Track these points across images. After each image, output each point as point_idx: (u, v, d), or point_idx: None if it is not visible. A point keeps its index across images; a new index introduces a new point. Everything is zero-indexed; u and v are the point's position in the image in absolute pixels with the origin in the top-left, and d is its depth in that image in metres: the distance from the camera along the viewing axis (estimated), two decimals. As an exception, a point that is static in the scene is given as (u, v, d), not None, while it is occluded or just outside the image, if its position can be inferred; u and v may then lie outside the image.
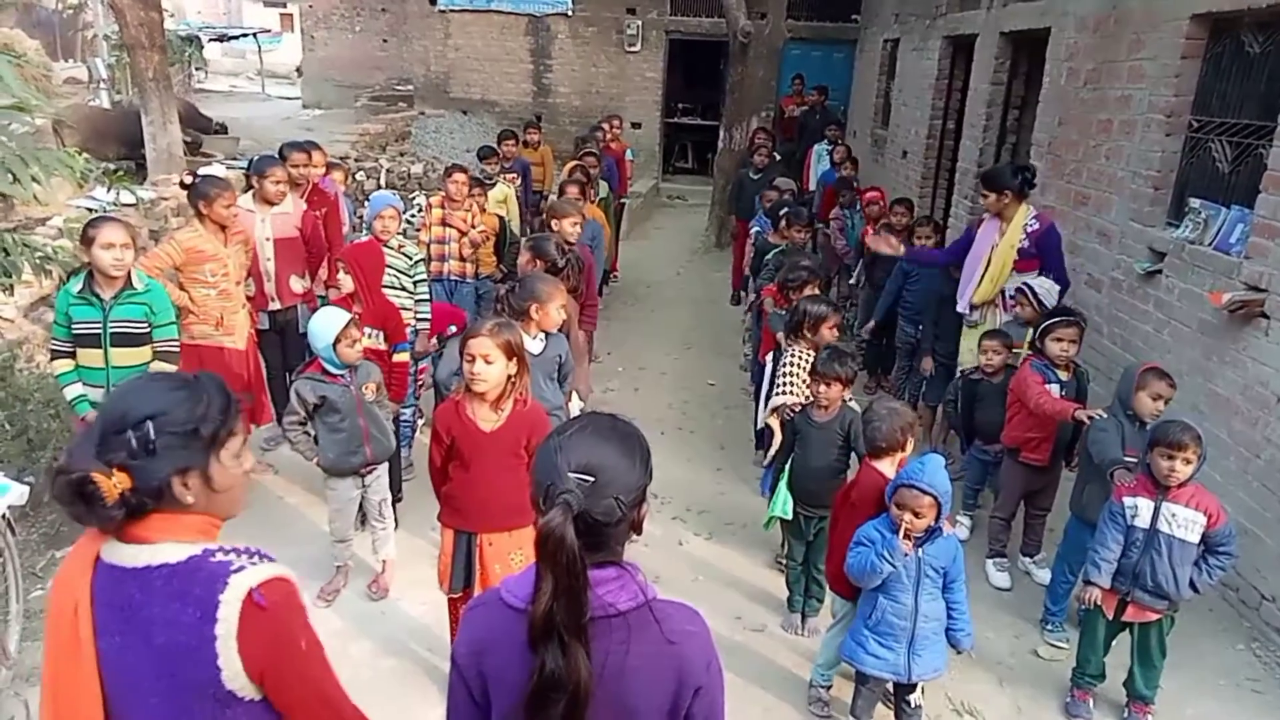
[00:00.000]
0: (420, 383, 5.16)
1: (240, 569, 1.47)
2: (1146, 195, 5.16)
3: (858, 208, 7.38)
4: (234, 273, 4.58)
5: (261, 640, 1.45)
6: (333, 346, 3.69)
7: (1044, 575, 4.19)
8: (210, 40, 24.11)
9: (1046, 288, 4.60)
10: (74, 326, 3.70)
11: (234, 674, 1.45)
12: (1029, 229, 4.81)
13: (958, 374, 4.94)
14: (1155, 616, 3.27)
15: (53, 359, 3.82)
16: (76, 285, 3.70)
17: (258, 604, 1.44)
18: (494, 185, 7.16)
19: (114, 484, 1.39)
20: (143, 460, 1.42)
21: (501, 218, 6.51)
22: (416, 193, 10.47)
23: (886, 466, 3.18)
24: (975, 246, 5.07)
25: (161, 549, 1.46)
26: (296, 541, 4.23)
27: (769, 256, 6.17)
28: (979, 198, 4.97)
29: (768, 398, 4.37)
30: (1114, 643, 3.43)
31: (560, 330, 3.81)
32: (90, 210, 6.62)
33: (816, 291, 4.73)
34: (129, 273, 3.74)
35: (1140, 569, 3.19)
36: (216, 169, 8.79)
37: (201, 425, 1.47)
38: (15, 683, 3.38)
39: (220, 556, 1.48)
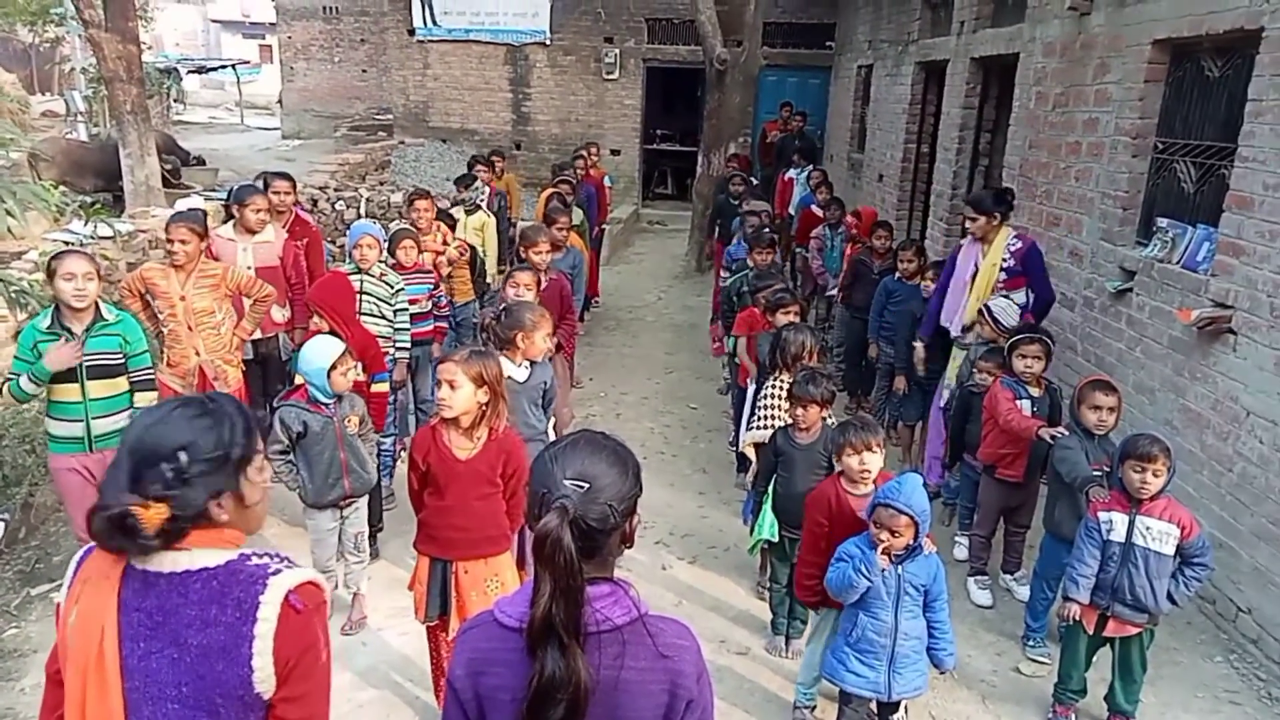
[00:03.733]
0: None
1: (278, 571, 1.53)
2: (1116, 215, 5.27)
3: (840, 229, 7.43)
4: (185, 316, 4.39)
5: (293, 643, 1.50)
6: (327, 374, 3.69)
7: (1025, 592, 4.21)
8: (189, 72, 24.11)
9: (1003, 307, 4.69)
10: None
11: (265, 676, 1.49)
12: (1012, 248, 4.91)
13: (954, 385, 4.98)
14: (1136, 630, 3.30)
15: (2, 383, 3.76)
16: (44, 321, 3.65)
17: (294, 607, 1.50)
18: (475, 211, 7.19)
19: (153, 515, 1.46)
20: (179, 490, 1.48)
21: (472, 246, 6.53)
22: (396, 221, 10.48)
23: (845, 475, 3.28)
24: (958, 270, 5.18)
25: (200, 555, 1.52)
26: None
27: (730, 281, 6.19)
28: (967, 221, 5.08)
29: (748, 424, 4.39)
30: (1095, 658, 3.46)
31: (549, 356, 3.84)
32: (66, 244, 6.59)
33: (796, 315, 4.75)
34: (98, 305, 3.70)
35: (1119, 583, 3.23)
36: (195, 201, 8.78)
37: (230, 450, 1.54)
38: (-11, 723, 3.32)
39: (256, 560, 1.55)
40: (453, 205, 7.44)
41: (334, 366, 3.69)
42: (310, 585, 1.56)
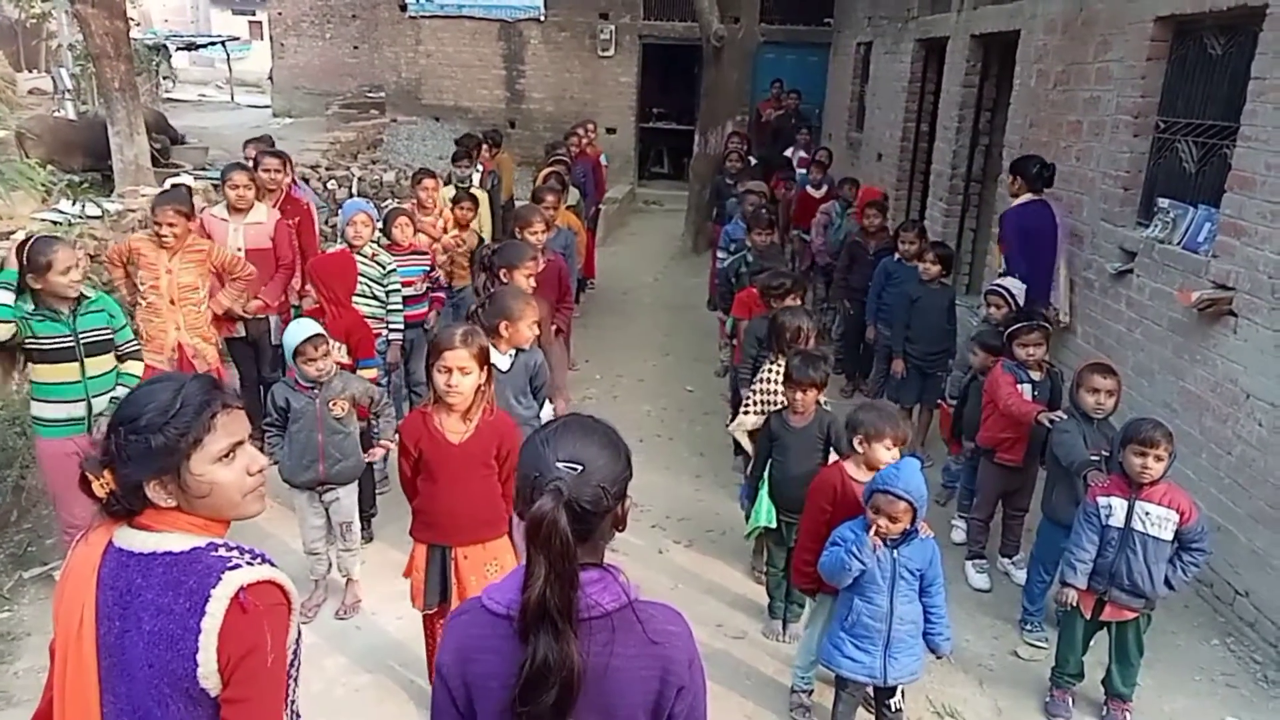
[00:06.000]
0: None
1: (236, 566, 1.49)
2: (1116, 195, 5.22)
3: (851, 208, 7.34)
4: (168, 290, 4.34)
5: (237, 643, 1.46)
6: (293, 358, 3.68)
7: (1023, 576, 4.21)
8: (178, 49, 23.83)
9: (1021, 288, 4.66)
10: (41, 341, 3.59)
11: (209, 671, 1.46)
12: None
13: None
14: (1132, 615, 3.30)
15: None
16: (28, 305, 3.56)
17: (242, 605, 1.46)
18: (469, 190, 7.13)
19: (101, 484, 1.48)
20: (120, 464, 1.48)
21: (480, 236, 6.47)
22: (389, 201, 10.40)
23: (852, 467, 3.22)
24: None
25: (167, 538, 1.51)
26: (274, 555, 4.15)
27: (729, 262, 6.18)
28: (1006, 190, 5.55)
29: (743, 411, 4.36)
30: (1092, 641, 3.46)
31: (537, 342, 3.77)
32: (55, 223, 6.50)
33: (797, 301, 4.71)
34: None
35: (1116, 568, 3.21)
36: (185, 180, 8.68)
37: (157, 435, 1.48)
38: (-19, 708, 3.30)
39: (221, 552, 1.52)
40: (445, 183, 7.37)
41: (298, 353, 3.65)
42: (268, 584, 1.52)
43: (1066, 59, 5.87)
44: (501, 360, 3.53)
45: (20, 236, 6.27)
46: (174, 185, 4.65)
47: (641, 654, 1.45)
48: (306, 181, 9.31)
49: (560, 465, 1.44)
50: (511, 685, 1.41)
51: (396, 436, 4.17)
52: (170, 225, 4.28)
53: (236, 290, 4.76)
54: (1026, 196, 5.33)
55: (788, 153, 9.89)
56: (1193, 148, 4.78)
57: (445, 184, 7.33)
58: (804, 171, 9.05)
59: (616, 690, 1.44)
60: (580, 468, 1.45)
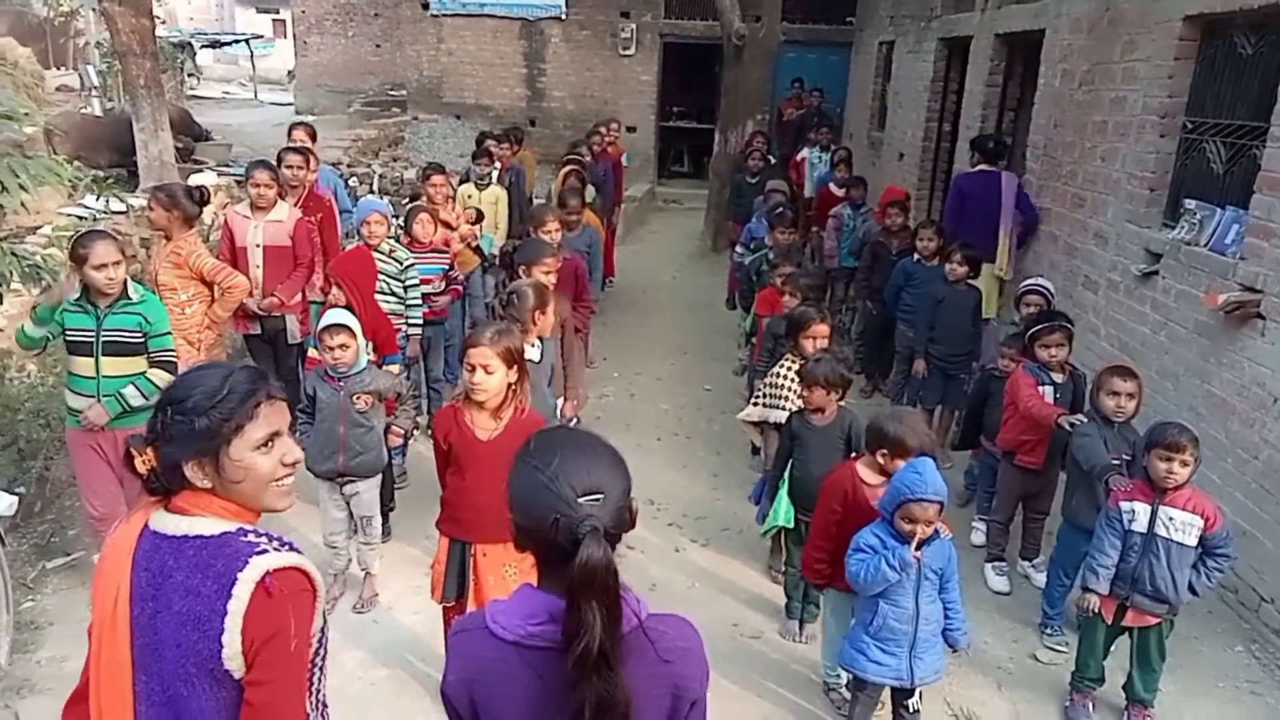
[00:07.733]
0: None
1: (263, 552, 1.54)
2: (1142, 197, 5.16)
3: (862, 209, 7.31)
4: (151, 286, 4.36)
5: (261, 626, 1.50)
6: (317, 339, 3.75)
7: (1042, 579, 4.17)
8: (202, 47, 24.07)
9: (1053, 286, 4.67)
10: (67, 333, 3.69)
11: (233, 653, 1.50)
12: None
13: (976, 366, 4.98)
14: (1155, 620, 3.25)
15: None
16: (74, 294, 3.68)
17: (267, 588, 1.50)
18: (488, 186, 7.16)
19: (144, 460, 1.53)
20: (163, 443, 1.54)
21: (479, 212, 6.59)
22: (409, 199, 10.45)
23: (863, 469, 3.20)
24: None
25: (199, 521, 1.55)
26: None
27: (750, 260, 6.18)
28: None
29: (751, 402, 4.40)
30: (1113, 646, 3.42)
31: (558, 333, 3.85)
32: (80, 219, 6.58)
33: (798, 295, 4.70)
34: (125, 283, 3.71)
35: (1139, 573, 3.17)
36: (208, 176, 8.76)
37: (202, 417, 1.53)
38: (5, 694, 3.34)
39: (250, 537, 1.56)
40: (462, 181, 7.41)
41: (319, 337, 3.72)
42: (293, 571, 1.56)
43: (1092, 59, 5.81)
44: (532, 352, 3.58)
45: (47, 231, 6.36)
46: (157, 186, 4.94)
47: (653, 674, 1.42)
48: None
49: (583, 501, 1.38)
50: (525, 709, 1.39)
51: (411, 429, 4.25)
52: (148, 210, 4.70)
53: (231, 301, 4.73)
54: (981, 167, 6.33)
55: (803, 154, 9.82)
56: (1221, 148, 4.71)
57: (464, 181, 7.38)
58: (825, 169, 9.01)
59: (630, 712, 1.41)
60: (601, 496, 1.40)
